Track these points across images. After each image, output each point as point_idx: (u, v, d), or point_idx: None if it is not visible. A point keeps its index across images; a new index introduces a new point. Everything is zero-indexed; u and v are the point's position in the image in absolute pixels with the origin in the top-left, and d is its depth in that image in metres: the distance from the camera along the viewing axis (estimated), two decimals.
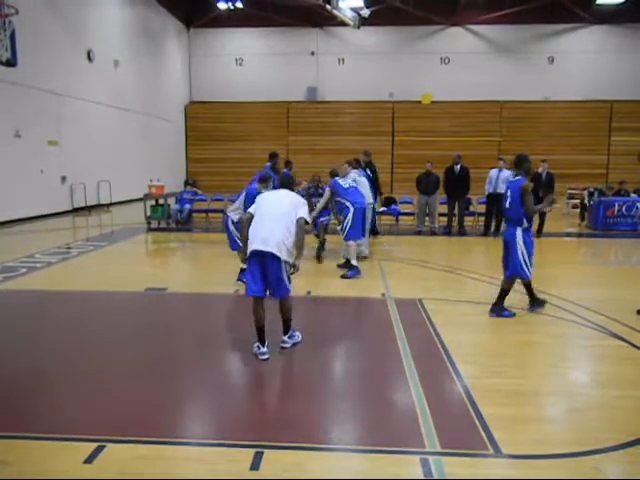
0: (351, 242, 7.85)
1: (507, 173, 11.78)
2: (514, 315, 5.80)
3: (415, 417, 3.52)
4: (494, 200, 11.87)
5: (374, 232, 11.08)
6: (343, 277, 7.66)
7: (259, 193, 6.87)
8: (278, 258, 4.41)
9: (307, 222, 4.66)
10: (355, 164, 9.70)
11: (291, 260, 4.53)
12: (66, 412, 3.64)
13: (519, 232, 5.64)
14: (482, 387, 3.98)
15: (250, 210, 4.74)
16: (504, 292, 5.80)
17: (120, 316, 6.03)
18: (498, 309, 5.81)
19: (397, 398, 3.94)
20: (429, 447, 3.16)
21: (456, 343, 4.91)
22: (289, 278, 4.55)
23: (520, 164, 5.82)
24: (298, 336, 4.89)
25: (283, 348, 4.73)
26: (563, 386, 4.18)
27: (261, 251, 4.41)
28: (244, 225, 4.69)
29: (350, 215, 7.80)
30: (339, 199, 8.09)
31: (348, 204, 7.90)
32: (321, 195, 9.43)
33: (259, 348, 4.51)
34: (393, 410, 3.78)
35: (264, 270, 4.47)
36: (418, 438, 3.26)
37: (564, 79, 24.50)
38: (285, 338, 4.78)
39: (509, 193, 5.77)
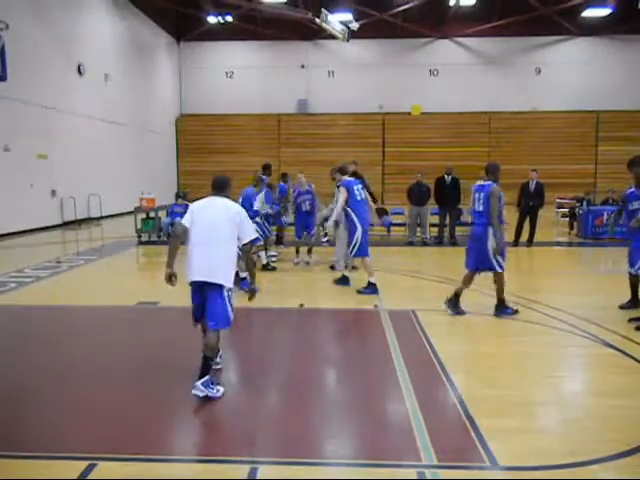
0: (367, 259, 7.37)
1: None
2: None
3: (410, 429, 3.50)
4: None
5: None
6: (359, 292, 7.33)
7: (254, 194, 7.57)
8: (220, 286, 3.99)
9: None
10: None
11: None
12: (56, 430, 3.58)
13: None
14: (477, 398, 3.96)
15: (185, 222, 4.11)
16: None
17: (111, 331, 5.96)
18: None
19: (392, 410, 3.92)
20: (425, 459, 3.15)
21: (450, 354, 4.90)
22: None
23: None
24: (218, 390, 4.04)
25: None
26: (558, 396, 4.18)
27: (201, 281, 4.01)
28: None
29: (359, 234, 7.23)
30: (348, 209, 7.31)
31: (357, 223, 7.24)
32: None
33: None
34: (388, 423, 3.75)
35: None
36: (414, 450, 3.24)
37: (551, 90, 24.86)
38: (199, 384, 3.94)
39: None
